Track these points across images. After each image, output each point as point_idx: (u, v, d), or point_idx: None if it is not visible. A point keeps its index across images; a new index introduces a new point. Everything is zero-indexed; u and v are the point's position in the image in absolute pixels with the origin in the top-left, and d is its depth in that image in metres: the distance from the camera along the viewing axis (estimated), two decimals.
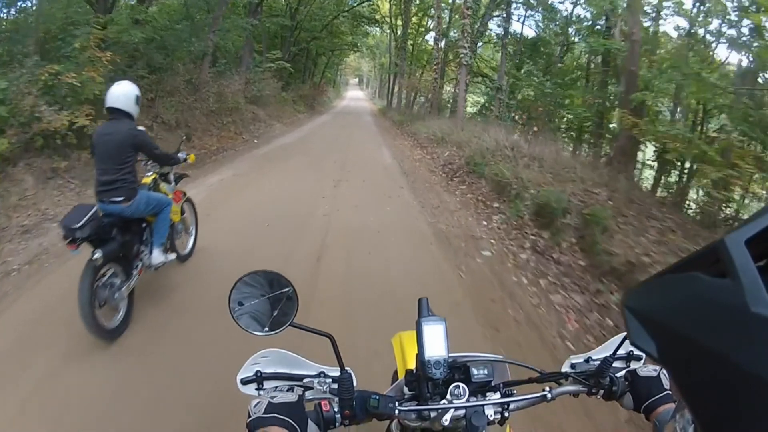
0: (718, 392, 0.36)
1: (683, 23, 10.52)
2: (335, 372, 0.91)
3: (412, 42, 26.48)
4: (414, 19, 25.70)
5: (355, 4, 25.50)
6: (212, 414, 2.29)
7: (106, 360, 2.70)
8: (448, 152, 10.42)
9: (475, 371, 0.89)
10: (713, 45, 9.79)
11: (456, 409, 0.84)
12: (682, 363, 0.40)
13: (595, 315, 3.45)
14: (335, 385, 0.89)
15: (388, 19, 28.17)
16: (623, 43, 9.55)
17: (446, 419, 0.83)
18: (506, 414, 0.89)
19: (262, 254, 4.25)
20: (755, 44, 7.44)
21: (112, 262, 2.91)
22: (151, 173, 3.58)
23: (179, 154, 3.71)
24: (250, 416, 0.82)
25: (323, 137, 14.56)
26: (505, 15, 16.40)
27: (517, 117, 15.70)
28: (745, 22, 7.63)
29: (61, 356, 2.70)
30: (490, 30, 18.76)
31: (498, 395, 0.90)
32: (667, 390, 0.91)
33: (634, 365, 1.00)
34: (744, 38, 7.91)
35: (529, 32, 19.03)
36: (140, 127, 3.21)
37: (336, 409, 0.86)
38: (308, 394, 0.92)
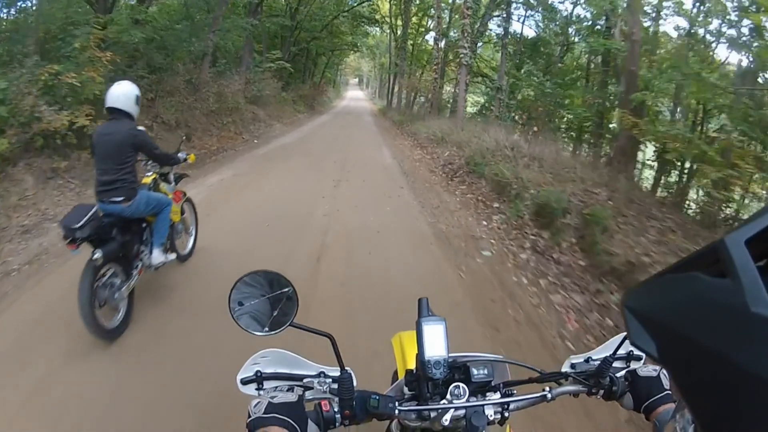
0: (718, 392, 0.36)
1: (683, 23, 10.56)
2: (335, 372, 0.91)
3: (412, 42, 26.47)
4: (414, 19, 25.69)
5: (355, 4, 25.49)
6: (212, 413, 2.29)
7: (106, 360, 2.70)
8: (448, 152, 10.43)
9: (475, 371, 0.89)
10: (713, 45, 9.82)
11: (456, 409, 0.84)
12: (682, 363, 0.40)
13: (595, 315, 3.45)
14: (335, 385, 0.89)
15: (388, 19, 28.16)
16: (623, 43, 9.55)
17: (446, 419, 0.83)
18: (506, 414, 0.89)
19: (261, 254, 4.25)
20: (755, 44, 7.45)
21: (112, 262, 2.91)
22: (151, 173, 3.57)
23: (179, 154, 3.71)
24: (250, 416, 0.82)
25: (323, 137, 14.56)
26: (505, 15, 16.41)
27: (517, 117, 15.70)
28: (745, 21, 7.64)
29: (61, 356, 2.69)
30: (490, 30, 18.79)
31: (498, 395, 0.90)
32: (667, 390, 0.91)
33: (634, 365, 1.00)
34: (744, 38, 7.93)
35: (529, 32, 19.04)
36: (140, 127, 3.20)
37: (336, 409, 0.86)
38: (308, 394, 0.92)
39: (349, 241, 4.94)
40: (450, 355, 0.89)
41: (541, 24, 18.05)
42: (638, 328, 0.45)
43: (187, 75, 11.50)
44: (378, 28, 30.49)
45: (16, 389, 2.43)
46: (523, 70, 16.78)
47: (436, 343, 0.88)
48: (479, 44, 18.05)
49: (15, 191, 5.68)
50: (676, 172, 9.88)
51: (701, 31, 9.90)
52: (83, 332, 2.70)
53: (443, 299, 3.48)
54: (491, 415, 0.86)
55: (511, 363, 1.02)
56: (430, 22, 25.68)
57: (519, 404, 0.91)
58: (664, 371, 0.93)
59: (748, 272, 0.35)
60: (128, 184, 3.05)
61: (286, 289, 0.88)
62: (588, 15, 14.94)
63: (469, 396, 0.86)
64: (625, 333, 0.75)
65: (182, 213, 4.00)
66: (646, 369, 0.97)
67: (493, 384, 0.91)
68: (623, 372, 0.98)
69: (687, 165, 8.85)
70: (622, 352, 0.98)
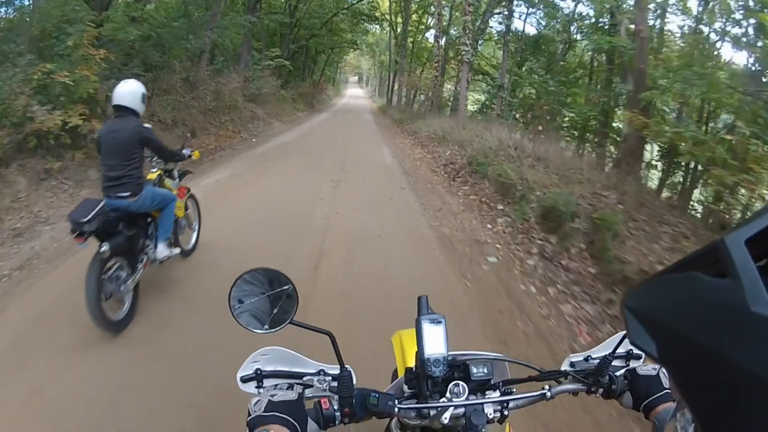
0: (718, 392, 0.36)
1: (689, 21, 10.43)
2: (335, 370, 0.91)
3: (412, 39, 26.42)
4: (414, 17, 25.59)
5: (355, 2, 25.36)
6: (214, 407, 2.33)
7: (103, 362, 2.68)
8: (449, 151, 10.28)
9: (474, 369, 0.90)
10: (718, 44, 9.68)
11: (455, 407, 0.84)
12: (682, 362, 0.40)
13: (607, 327, 3.30)
14: (335, 383, 0.89)
15: (387, 17, 28.06)
16: (629, 41, 9.40)
17: (446, 417, 0.83)
18: (506, 412, 0.89)
19: (255, 262, 4.04)
20: (759, 44, 7.32)
21: (118, 255, 3.00)
22: (155, 169, 3.66)
23: (184, 151, 3.82)
24: (250, 414, 0.82)
25: (322, 135, 14.41)
26: (506, 12, 16.27)
27: (518, 115, 15.56)
28: (751, 21, 7.51)
29: (54, 363, 2.65)
30: (491, 27, 18.68)
31: (497, 393, 0.90)
32: (666, 389, 0.92)
33: (633, 364, 1.00)
34: (749, 37, 7.79)
35: (531, 30, 18.88)
36: (146, 124, 3.28)
37: (336, 407, 0.87)
38: (308, 392, 0.92)
39: (348, 246, 4.76)
40: (450, 353, 0.89)
41: (542, 21, 17.91)
42: (638, 327, 0.45)
43: (184, 73, 11.38)
44: (378, 26, 30.49)
45: (12, 393, 2.41)
46: (524, 68, 16.64)
47: (435, 342, 0.88)
48: (480, 42, 17.92)
49: (8, 193, 5.61)
50: (681, 173, 9.79)
51: (706, 30, 9.81)
52: (75, 340, 2.73)
53: (449, 311, 3.19)
54: (491, 414, 0.87)
55: (510, 361, 1.01)
56: (430, 20, 25.53)
57: (518, 402, 0.91)
58: (664, 370, 0.94)
59: (748, 272, 0.35)
60: (134, 180, 3.13)
61: (286, 287, 0.88)
62: (591, 12, 14.80)
63: (468, 394, 0.86)
64: (624, 332, 0.79)
65: (186, 209, 4.11)
66: (646, 368, 0.97)
67: (492, 382, 0.91)
68: (623, 371, 0.99)
69: (692, 166, 8.76)
70: (621, 350, 0.97)
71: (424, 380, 0.88)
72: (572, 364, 1.01)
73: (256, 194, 6.67)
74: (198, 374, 2.59)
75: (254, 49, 17.88)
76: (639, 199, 5.16)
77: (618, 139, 11.81)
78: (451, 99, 20.97)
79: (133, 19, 9.54)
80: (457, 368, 0.91)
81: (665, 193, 8.97)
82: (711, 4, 9.38)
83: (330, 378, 0.91)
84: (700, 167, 7.75)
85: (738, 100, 6.29)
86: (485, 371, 0.90)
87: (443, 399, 0.86)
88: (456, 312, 3.40)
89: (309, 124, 17.59)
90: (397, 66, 26.28)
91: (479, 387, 0.90)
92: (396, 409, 0.85)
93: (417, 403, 0.88)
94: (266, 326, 0.88)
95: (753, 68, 7.78)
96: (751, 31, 7.69)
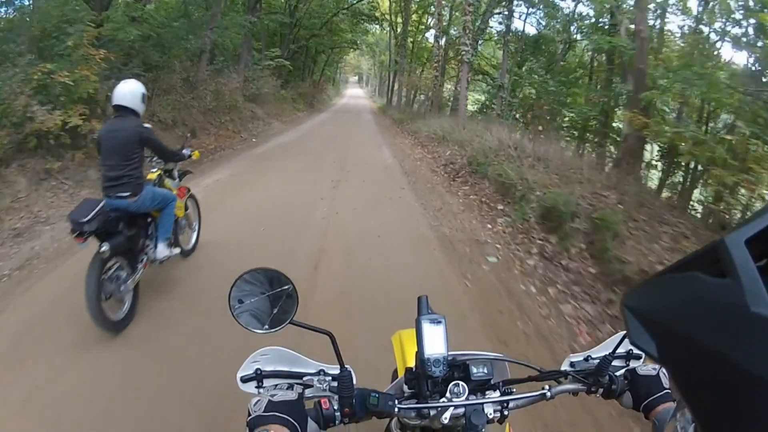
0: (718, 392, 0.36)
1: (689, 21, 10.41)
2: (335, 370, 0.91)
3: (412, 39, 26.41)
4: (414, 17, 25.58)
5: (355, 2, 25.33)
6: (213, 403, 2.34)
7: (104, 362, 2.69)
8: (449, 151, 10.28)
9: (474, 369, 0.90)
10: (718, 44, 9.67)
11: (455, 407, 0.84)
12: (682, 362, 0.40)
13: (607, 327, 3.29)
14: (335, 383, 0.89)
15: (387, 17, 28.03)
16: (629, 41, 9.38)
17: (446, 417, 0.83)
18: (506, 412, 0.89)
19: (254, 262, 4.01)
20: (759, 44, 7.31)
21: (118, 255, 3.01)
22: (155, 169, 3.66)
23: (184, 151, 3.82)
24: (250, 414, 0.82)
25: (322, 136, 14.40)
26: (506, 12, 16.26)
27: (518, 115, 15.55)
28: (751, 21, 7.49)
29: (54, 363, 2.65)
30: (491, 27, 18.66)
31: (497, 393, 0.90)
32: (666, 389, 0.92)
33: (633, 364, 1.00)
34: (749, 37, 7.77)
35: (531, 30, 18.88)
36: (147, 124, 3.28)
37: (336, 407, 0.87)
38: (308, 392, 0.92)
39: (348, 246, 4.75)
40: (449, 353, 0.89)
41: (542, 21, 17.91)
42: (638, 327, 0.45)
43: (184, 73, 11.37)
44: (378, 26, 30.45)
45: (12, 391, 2.41)
46: (524, 68, 16.63)
47: (435, 341, 0.88)
48: (480, 42, 17.91)
49: (8, 193, 5.61)
50: (681, 173, 9.78)
51: (705, 30, 9.79)
52: (75, 342, 2.72)
53: (449, 311, 3.18)
54: (491, 414, 0.87)
55: (510, 361, 1.01)
56: (430, 20, 25.52)
57: (518, 402, 0.91)
58: (664, 370, 0.94)
59: (748, 272, 0.35)
60: (134, 180, 3.13)
61: (286, 287, 0.88)
62: (591, 12, 14.79)
63: (468, 394, 0.86)
64: (624, 332, 0.79)
65: (186, 209, 4.10)
66: (646, 368, 0.97)
67: (492, 382, 0.91)
68: (622, 371, 0.99)
69: (692, 166, 8.74)
70: (621, 350, 0.97)
71: (424, 380, 0.88)
72: (572, 364, 1.01)
73: (256, 194, 6.67)
74: (198, 374, 2.59)
75: (254, 49, 17.87)
76: (639, 199, 5.15)
77: (618, 139, 11.80)
78: (451, 99, 20.96)
79: (133, 19, 9.53)
80: (457, 368, 0.90)
81: (665, 193, 8.97)
82: (711, 4, 9.37)
83: (330, 378, 0.91)
84: (699, 167, 7.75)
85: (738, 100, 6.29)
86: (485, 371, 0.90)
87: (443, 399, 0.86)
88: (456, 312, 3.40)
89: (309, 124, 17.57)
90: (397, 66, 26.27)
91: (479, 387, 0.90)
92: (396, 409, 0.85)
93: (417, 403, 0.88)
94: (266, 326, 0.88)
95: (753, 68, 7.78)
96: (751, 31, 7.69)
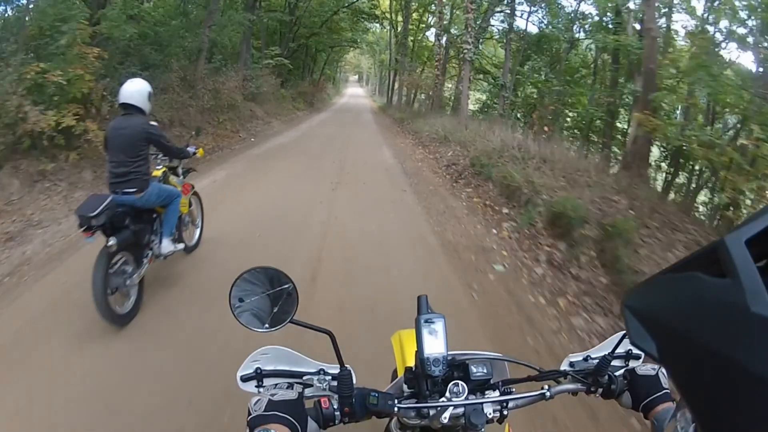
0: (718, 392, 0.35)
1: (693, 21, 10.28)
2: (335, 369, 0.91)
3: (412, 38, 26.33)
4: (414, 15, 25.48)
5: (355, 0, 25.16)
6: (215, 396, 2.36)
7: (105, 357, 2.73)
8: (451, 152, 10.11)
9: (474, 369, 0.89)
10: (723, 44, 9.54)
11: (455, 407, 0.84)
12: (682, 363, 0.40)
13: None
14: (335, 383, 0.89)
15: (388, 15, 27.91)
16: (635, 39, 9.23)
17: (445, 417, 0.83)
18: (505, 412, 0.89)
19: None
20: (765, 44, 7.19)
21: (124, 250, 3.08)
22: (160, 166, 3.75)
23: (188, 148, 3.92)
24: (250, 414, 0.81)
25: (322, 135, 14.24)
26: (509, 11, 16.12)
27: (520, 115, 15.41)
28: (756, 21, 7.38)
29: (53, 362, 2.67)
30: (493, 26, 18.52)
31: (497, 393, 0.90)
32: (665, 389, 0.92)
33: (632, 364, 1.00)
34: (755, 37, 7.65)
35: (533, 29, 18.72)
36: (153, 122, 3.37)
37: (336, 407, 0.87)
38: (308, 392, 0.92)
39: (347, 254, 4.54)
40: (449, 352, 0.89)
41: (544, 20, 17.75)
42: (638, 327, 0.45)
43: (182, 72, 11.21)
44: (378, 24, 30.33)
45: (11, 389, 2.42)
46: (526, 67, 16.49)
47: (435, 341, 0.88)
48: (481, 40, 17.76)
49: (0, 196, 5.46)
50: (685, 175, 9.67)
51: (711, 30, 9.66)
52: (71, 348, 2.76)
53: (456, 326, 3.08)
54: (490, 413, 0.87)
55: (510, 361, 1.01)
56: (430, 18, 25.37)
57: (518, 402, 0.91)
58: (663, 370, 0.95)
59: (749, 272, 0.35)
60: (141, 176, 3.23)
61: (287, 286, 0.88)
62: (594, 11, 14.67)
63: (468, 394, 0.86)
64: (623, 331, 0.81)
65: (190, 205, 4.19)
66: (645, 368, 0.97)
67: (492, 382, 0.91)
68: (622, 371, 0.99)
69: (697, 168, 8.65)
70: (620, 350, 0.97)
71: (424, 380, 0.88)
72: (571, 364, 1.01)
73: (253, 197, 6.50)
74: (200, 368, 2.64)
75: (253, 48, 17.74)
76: (650, 204, 4.98)
77: (622, 140, 11.67)
78: (452, 98, 20.83)
79: (130, 17, 9.38)
80: (457, 368, 0.91)
81: (670, 196, 8.85)
82: (716, 3, 9.24)
83: (330, 377, 0.92)
84: (704, 169, 7.64)
85: (748, 102, 6.15)
86: (485, 371, 0.89)
87: (443, 399, 0.86)
88: (463, 327, 3.22)
89: (308, 124, 17.43)
90: (398, 65, 26.11)
91: (479, 387, 0.90)
92: (396, 409, 0.86)
93: (416, 402, 0.88)
94: (266, 325, 0.88)
95: (760, 69, 7.66)
96: (755, 30, 7.57)
